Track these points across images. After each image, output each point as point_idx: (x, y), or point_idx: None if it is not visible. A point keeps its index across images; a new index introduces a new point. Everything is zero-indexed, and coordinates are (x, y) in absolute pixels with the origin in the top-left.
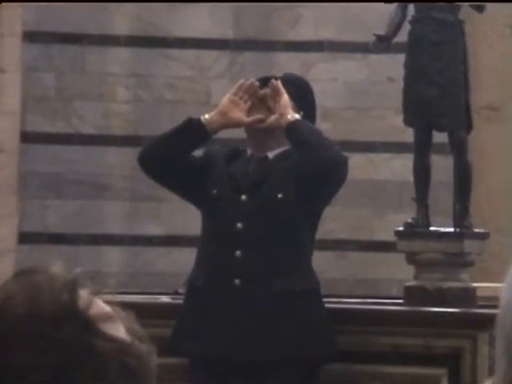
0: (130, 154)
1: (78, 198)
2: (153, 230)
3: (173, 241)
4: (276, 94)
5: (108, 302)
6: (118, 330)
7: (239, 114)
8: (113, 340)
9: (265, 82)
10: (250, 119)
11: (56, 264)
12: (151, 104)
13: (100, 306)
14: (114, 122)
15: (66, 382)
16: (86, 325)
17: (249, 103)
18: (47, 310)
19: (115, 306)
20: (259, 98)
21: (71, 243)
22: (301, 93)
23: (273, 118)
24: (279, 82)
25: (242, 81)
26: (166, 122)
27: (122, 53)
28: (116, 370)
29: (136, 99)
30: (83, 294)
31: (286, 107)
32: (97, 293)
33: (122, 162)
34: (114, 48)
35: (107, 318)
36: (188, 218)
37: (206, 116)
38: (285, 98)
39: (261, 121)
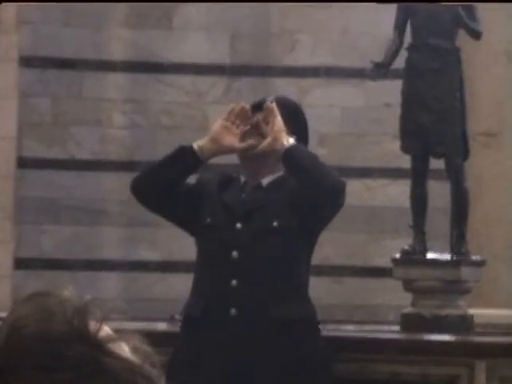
0: (127, 180)
1: (75, 224)
2: (149, 255)
3: (169, 266)
4: (269, 116)
5: (117, 329)
6: (128, 353)
7: (231, 140)
8: (124, 360)
9: (257, 107)
10: (243, 145)
11: (67, 288)
12: (148, 129)
13: (108, 330)
14: (110, 147)
15: None
16: (97, 345)
17: (241, 128)
18: (58, 331)
19: (127, 332)
20: (252, 124)
21: (67, 269)
22: (293, 115)
23: (266, 142)
24: (274, 105)
25: (232, 105)
26: (163, 148)
27: (119, 78)
28: None
29: (132, 125)
30: (93, 318)
31: (280, 131)
32: (105, 319)
33: (119, 187)
34: (110, 73)
35: (117, 340)
36: (184, 244)
37: (198, 143)
38: (278, 120)
39: (253, 146)
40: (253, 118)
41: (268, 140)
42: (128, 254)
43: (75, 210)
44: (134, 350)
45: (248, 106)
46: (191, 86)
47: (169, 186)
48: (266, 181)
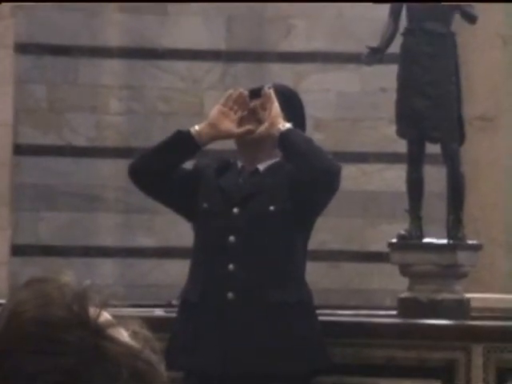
0: (123, 166)
1: (71, 210)
2: (146, 241)
3: (166, 252)
4: (267, 102)
5: (117, 315)
6: (127, 338)
7: (229, 126)
8: (124, 345)
9: (254, 93)
10: (240, 130)
11: (66, 274)
12: (144, 116)
13: (108, 316)
14: (106, 133)
15: None
16: (97, 330)
17: (239, 114)
18: (58, 316)
19: (126, 318)
20: (249, 109)
21: (64, 255)
22: (290, 103)
23: (263, 127)
24: (272, 91)
25: (230, 91)
26: (159, 134)
27: (115, 64)
28: (127, 373)
29: (129, 111)
30: (92, 304)
31: (277, 116)
32: (104, 304)
33: (115, 173)
34: (106, 60)
35: (116, 326)
36: (181, 230)
37: (196, 128)
38: (275, 107)
39: (251, 131)
40: (250, 104)
41: (265, 125)
42: (125, 240)
43: (72, 196)
44: (134, 335)
45: (246, 92)
46: (187, 72)
47: (166, 170)
48: (262, 166)
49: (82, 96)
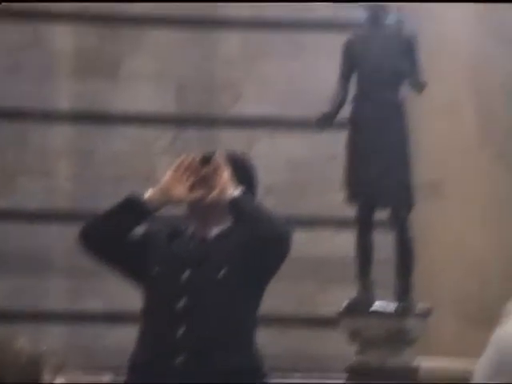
0: (72, 230)
1: (20, 274)
2: (95, 305)
3: (115, 317)
4: (218, 169)
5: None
6: None
7: (181, 191)
8: None
9: (206, 159)
10: (192, 196)
11: (21, 338)
12: (94, 180)
13: (63, 380)
14: (56, 197)
15: None
16: None
17: (191, 180)
18: (13, 381)
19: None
20: (201, 175)
21: (13, 320)
22: (242, 169)
23: (214, 193)
24: (222, 158)
25: (182, 157)
26: (109, 198)
27: (65, 129)
28: None
29: (78, 175)
30: (47, 369)
31: (228, 182)
32: (59, 369)
33: (64, 238)
34: (56, 124)
35: None
36: (129, 294)
37: (148, 193)
38: (226, 173)
39: (202, 197)
40: (202, 170)
41: (216, 191)
42: (74, 304)
43: (21, 260)
44: None
45: (198, 159)
46: (138, 136)
47: (117, 235)
48: (214, 232)
49: (32, 160)
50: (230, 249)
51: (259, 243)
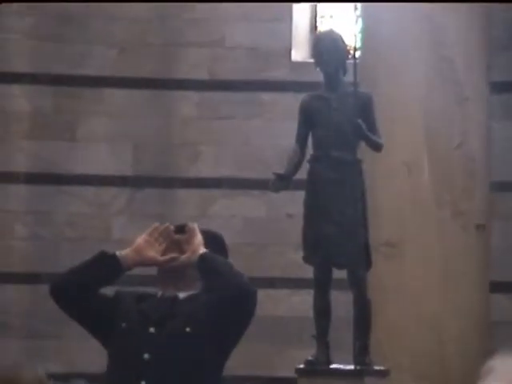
0: (28, 292)
1: None
2: (51, 367)
3: (73, 378)
4: (191, 236)
5: None
6: None
7: (154, 253)
8: None
9: (179, 229)
10: (165, 257)
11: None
12: (51, 241)
13: None
14: (12, 259)
15: None
16: None
17: (163, 245)
18: None
19: None
20: (173, 241)
21: None
22: (213, 241)
23: (186, 255)
24: (196, 226)
25: (156, 224)
26: (66, 259)
27: (21, 190)
28: None
29: (35, 236)
30: None
31: (199, 245)
32: None
33: (20, 299)
34: (12, 185)
35: None
36: (87, 356)
37: (122, 252)
38: (198, 238)
39: (174, 259)
40: (175, 237)
41: (187, 253)
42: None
43: None
44: None
45: (172, 227)
46: (94, 197)
47: (89, 289)
48: (182, 295)
49: None
50: (197, 309)
51: (227, 299)
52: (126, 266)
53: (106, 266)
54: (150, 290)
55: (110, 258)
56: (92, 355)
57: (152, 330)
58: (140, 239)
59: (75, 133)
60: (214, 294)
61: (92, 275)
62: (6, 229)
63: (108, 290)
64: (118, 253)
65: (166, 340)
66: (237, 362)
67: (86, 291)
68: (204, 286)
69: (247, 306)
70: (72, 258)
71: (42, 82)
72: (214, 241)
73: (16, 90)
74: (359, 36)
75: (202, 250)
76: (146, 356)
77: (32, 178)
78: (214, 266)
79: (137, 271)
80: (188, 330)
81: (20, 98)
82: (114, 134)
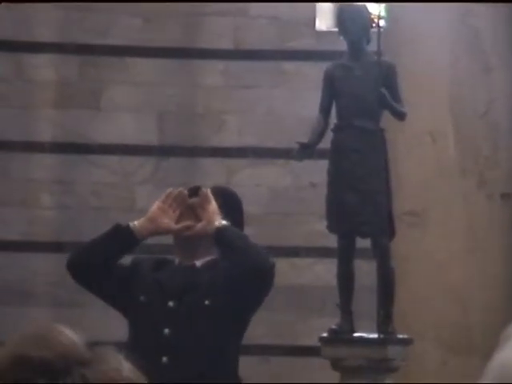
0: (54, 261)
1: (1, 305)
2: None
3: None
4: (205, 201)
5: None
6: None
7: (168, 221)
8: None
9: (193, 192)
10: (179, 226)
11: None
12: (75, 210)
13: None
14: (37, 228)
15: None
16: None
17: (177, 211)
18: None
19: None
20: (188, 206)
21: None
22: (228, 203)
23: (201, 224)
24: (209, 191)
25: (170, 189)
26: (90, 229)
27: (46, 159)
28: None
29: (60, 205)
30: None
31: (214, 214)
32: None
33: (46, 268)
34: (38, 154)
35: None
36: (112, 324)
37: (135, 222)
38: (213, 205)
39: (189, 227)
40: (189, 201)
41: (202, 222)
42: None
43: (1, 290)
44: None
45: (185, 191)
46: (119, 167)
47: (105, 264)
48: (199, 262)
49: (13, 190)
50: (216, 279)
51: (244, 274)
52: (141, 236)
53: (121, 239)
54: (167, 256)
55: (124, 229)
56: (116, 324)
57: (171, 303)
58: (154, 207)
59: (100, 102)
60: (232, 268)
61: (106, 249)
62: (32, 198)
63: (125, 259)
64: (131, 224)
65: (185, 314)
66: (260, 331)
67: (101, 265)
68: (221, 255)
69: (265, 280)
70: (97, 228)
71: (67, 52)
72: (228, 199)
73: (41, 59)
74: (383, 5)
75: (218, 219)
76: (167, 331)
77: (57, 148)
78: (230, 240)
79: (156, 240)
80: (207, 302)
81: (45, 67)
82: (138, 103)
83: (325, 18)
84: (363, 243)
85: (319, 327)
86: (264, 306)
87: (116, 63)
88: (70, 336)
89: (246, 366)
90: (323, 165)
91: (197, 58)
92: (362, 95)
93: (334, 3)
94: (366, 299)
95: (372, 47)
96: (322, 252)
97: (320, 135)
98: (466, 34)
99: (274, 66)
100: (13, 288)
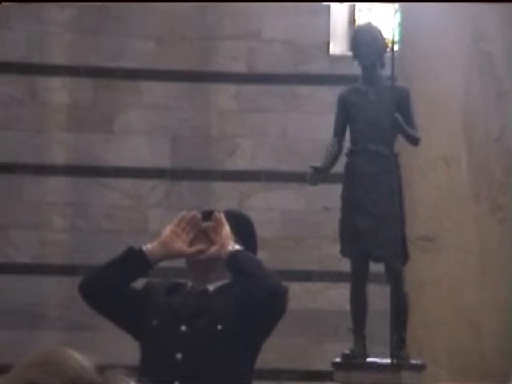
0: (66, 283)
1: (13, 328)
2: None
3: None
4: (218, 225)
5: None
6: None
7: (181, 245)
8: None
9: (206, 216)
10: (192, 250)
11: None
12: (88, 233)
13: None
14: (49, 251)
15: None
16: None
17: (191, 235)
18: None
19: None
20: (201, 230)
21: (5, 374)
22: (242, 227)
23: (214, 248)
24: (222, 215)
25: (183, 213)
26: (103, 251)
27: (59, 182)
28: None
29: (73, 228)
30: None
31: (227, 238)
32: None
33: (58, 291)
34: (51, 177)
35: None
36: (123, 348)
37: (148, 246)
38: (226, 229)
39: (202, 251)
40: (202, 225)
41: (216, 246)
42: None
43: (14, 314)
44: None
45: (199, 215)
46: (132, 190)
47: (117, 287)
48: (212, 286)
49: (25, 213)
50: (228, 304)
51: (257, 299)
52: (154, 259)
53: (134, 262)
54: (180, 280)
55: (137, 253)
56: (128, 347)
57: (183, 328)
58: (167, 230)
59: (113, 125)
60: (244, 293)
61: (119, 272)
62: (44, 221)
63: (138, 282)
64: (144, 247)
65: (197, 339)
66: (273, 356)
67: (113, 289)
68: (234, 280)
69: (278, 305)
70: (109, 251)
71: (81, 75)
72: (241, 223)
73: (55, 82)
74: (397, 29)
75: (231, 244)
76: (179, 356)
77: (70, 170)
78: (243, 265)
79: (169, 263)
80: (219, 327)
81: (59, 90)
82: (151, 126)
83: (339, 42)
84: (376, 268)
85: (332, 352)
86: (277, 330)
87: (129, 86)
88: (80, 360)
89: None
90: (337, 189)
91: (210, 82)
92: (375, 120)
93: (349, 27)
94: (379, 324)
95: (386, 72)
96: (335, 276)
97: (334, 159)
98: (479, 59)
99: (287, 89)
100: (25, 311)
